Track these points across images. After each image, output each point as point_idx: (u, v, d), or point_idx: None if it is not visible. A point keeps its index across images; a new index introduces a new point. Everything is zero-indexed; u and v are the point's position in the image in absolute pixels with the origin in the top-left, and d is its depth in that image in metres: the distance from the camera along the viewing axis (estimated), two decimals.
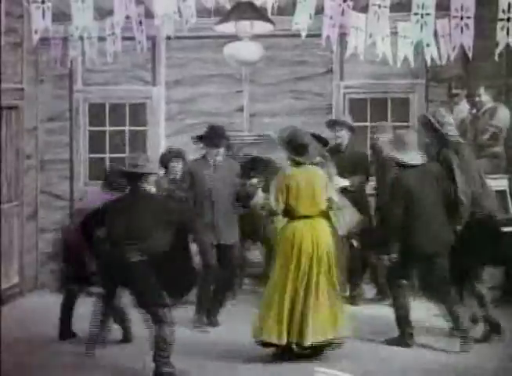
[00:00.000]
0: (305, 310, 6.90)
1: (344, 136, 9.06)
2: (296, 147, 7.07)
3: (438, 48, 7.99)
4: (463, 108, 9.43)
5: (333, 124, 9.13)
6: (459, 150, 7.61)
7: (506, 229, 8.70)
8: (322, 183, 7.13)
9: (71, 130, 10.33)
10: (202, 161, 8.38)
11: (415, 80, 10.20)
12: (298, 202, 7.03)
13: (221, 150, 8.32)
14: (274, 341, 6.94)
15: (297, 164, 7.10)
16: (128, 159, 7.21)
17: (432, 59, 8.08)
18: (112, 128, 10.39)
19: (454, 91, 9.60)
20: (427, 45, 7.67)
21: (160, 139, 10.16)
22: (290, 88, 10.36)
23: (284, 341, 6.91)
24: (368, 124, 10.22)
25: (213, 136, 8.25)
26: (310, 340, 6.88)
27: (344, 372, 6.76)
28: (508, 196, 9.05)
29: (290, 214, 7.10)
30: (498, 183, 8.97)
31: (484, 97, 9.07)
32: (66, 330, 7.79)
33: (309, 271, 6.95)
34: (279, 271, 7.03)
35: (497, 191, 8.98)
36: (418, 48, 7.94)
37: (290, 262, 6.97)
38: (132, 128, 10.36)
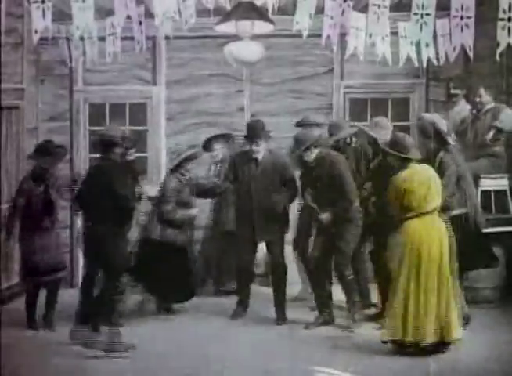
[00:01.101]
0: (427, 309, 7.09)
1: None
2: (401, 146, 7.25)
3: (437, 49, 7.99)
4: (462, 108, 9.43)
5: (301, 125, 9.08)
6: (454, 155, 7.84)
7: (505, 229, 8.77)
8: (435, 180, 7.27)
9: (72, 130, 10.32)
10: (245, 156, 8.44)
11: (415, 80, 10.20)
12: (415, 201, 7.14)
13: (262, 145, 8.34)
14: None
15: (407, 162, 7.25)
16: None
17: (430, 60, 8.09)
18: None
19: (452, 91, 9.58)
20: (426, 45, 7.67)
21: (160, 139, 10.16)
22: (290, 87, 10.35)
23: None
24: (368, 123, 10.19)
25: (249, 132, 8.34)
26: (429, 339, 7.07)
27: (344, 372, 6.78)
28: (508, 195, 9.06)
29: (406, 213, 7.17)
30: (498, 183, 8.99)
31: (485, 97, 9.07)
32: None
33: (428, 270, 7.09)
34: (399, 271, 7.16)
35: (497, 191, 9.01)
36: (418, 48, 7.94)
37: (408, 261, 7.11)
38: (133, 127, 10.35)
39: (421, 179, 7.19)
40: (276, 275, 8.49)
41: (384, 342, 7.25)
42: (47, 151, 8.11)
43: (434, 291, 7.08)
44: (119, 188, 7.51)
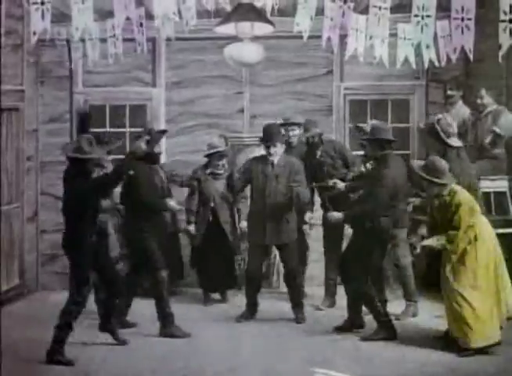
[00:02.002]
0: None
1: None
2: (437, 172, 7.35)
3: (438, 50, 7.98)
4: (460, 110, 9.41)
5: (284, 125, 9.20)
6: (459, 156, 7.77)
7: (505, 231, 8.75)
8: None
9: (72, 131, 10.31)
10: (261, 159, 8.50)
11: (415, 81, 10.20)
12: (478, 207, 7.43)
13: (278, 148, 8.39)
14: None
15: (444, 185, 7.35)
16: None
17: (430, 61, 8.08)
18: (112, 130, 10.38)
19: (449, 92, 9.55)
20: (427, 47, 7.67)
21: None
22: (290, 89, 10.35)
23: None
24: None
25: (266, 135, 8.40)
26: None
27: (344, 372, 6.77)
28: (508, 197, 9.06)
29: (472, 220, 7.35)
30: (498, 185, 8.99)
31: (486, 99, 9.07)
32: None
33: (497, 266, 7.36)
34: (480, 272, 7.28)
35: (497, 192, 9.00)
36: (418, 50, 7.94)
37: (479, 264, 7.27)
38: (132, 129, 10.35)
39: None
40: (289, 281, 8.52)
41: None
42: (101, 142, 8.27)
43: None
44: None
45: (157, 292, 7.89)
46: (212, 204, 9.28)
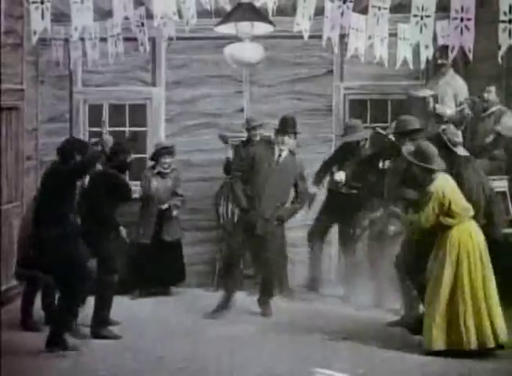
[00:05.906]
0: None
1: None
2: (425, 157, 7.22)
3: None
4: (451, 80, 9.31)
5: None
6: (468, 166, 7.67)
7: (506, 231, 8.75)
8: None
9: (71, 131, 10.31)
10: (266, 148, 8.59)
11: (415, 81, 10.19)
12: (460, 209, 7.15)
13: (292, 140, 8.50)
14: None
15: (432, 172, 7.19)
16: None
17: (429, 61, 8.08)
18: (112, 129, 10.37)
19: (439, 61, 9.39)
20: (426, 47, 7.67)
21: (160, 140, 10.14)
22: (290, 89, 10.35)
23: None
24: (368, 125, 10.18)
25: (285, 124, 8.50)
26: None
27: (344, 373, 6.77)
28: (508, 197, 9.06)
29: (448, 222, 7.16)
30: (498, 184, 8.99)
31: (492, 96, 9.04)
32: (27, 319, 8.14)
33: (471, 276, 7.13)
34: (440, 281, 7.12)
35: (497, 192, 9.00)
36: (418, 50, 7.94)
37: (451, 269, 7.10)
38: (132, 128, 10.36)
39: (455, 186, 7.23)
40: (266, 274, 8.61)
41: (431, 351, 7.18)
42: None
43: (480, 296, 7.10)
44: None
45: (104, 293, 7.97)
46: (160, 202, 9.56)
